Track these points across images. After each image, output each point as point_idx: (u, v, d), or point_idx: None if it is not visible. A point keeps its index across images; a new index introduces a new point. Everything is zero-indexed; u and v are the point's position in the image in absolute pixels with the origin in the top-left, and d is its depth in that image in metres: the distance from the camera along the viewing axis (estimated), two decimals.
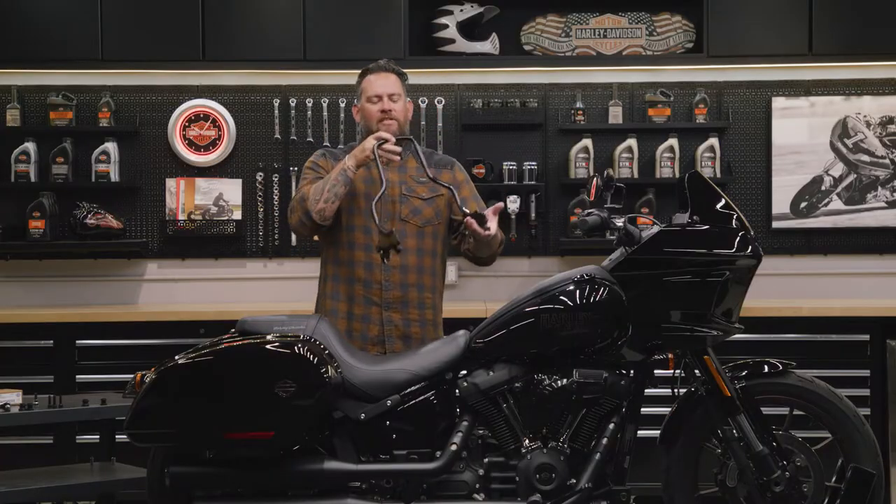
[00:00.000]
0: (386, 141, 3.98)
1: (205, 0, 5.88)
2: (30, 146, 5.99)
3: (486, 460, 3.76)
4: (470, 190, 4.31)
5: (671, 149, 6.02)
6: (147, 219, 6.12)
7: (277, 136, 6.13)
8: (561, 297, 3.74)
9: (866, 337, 5.48)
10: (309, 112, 6.10)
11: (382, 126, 4.15)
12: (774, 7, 5.91)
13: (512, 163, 6.03)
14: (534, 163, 6.05)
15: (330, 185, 4.04)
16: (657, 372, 3.83)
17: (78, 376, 5.49)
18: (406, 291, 4.11)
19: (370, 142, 4.00)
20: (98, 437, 4.79)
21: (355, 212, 4.12)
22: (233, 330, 3.83)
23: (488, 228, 3.95)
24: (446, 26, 5.99)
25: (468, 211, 3.98)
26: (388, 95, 4.18)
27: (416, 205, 4.17)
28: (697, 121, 6.05)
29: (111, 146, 6.03)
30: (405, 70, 4.32)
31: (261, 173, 6.11)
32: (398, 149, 4.00)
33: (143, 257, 6.10)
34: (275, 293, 6.07)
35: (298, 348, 3.63)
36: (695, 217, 3.78)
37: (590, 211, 3.80)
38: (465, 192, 4.25)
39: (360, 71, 4.27)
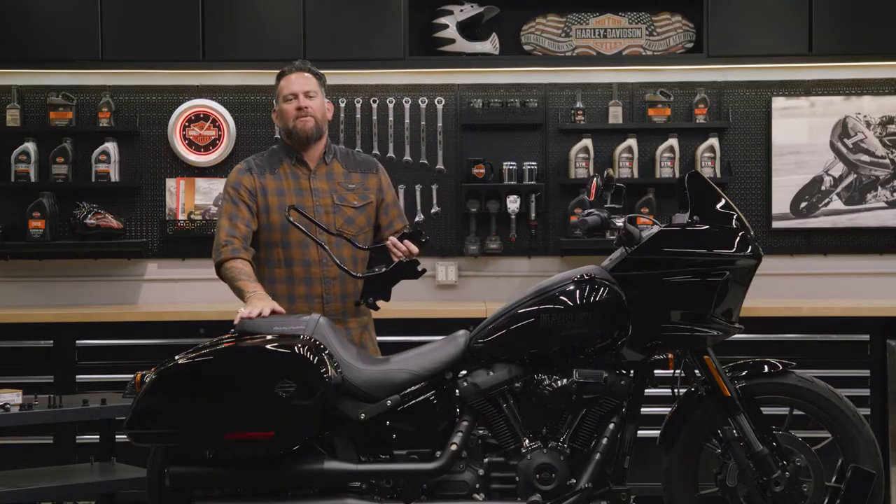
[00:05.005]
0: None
1: (205, 0, 5.88)
2: (30, 146, 5.99)
3: (486, 460, 3.76)
4: (392, 197, 4.29)
5: (671, 149, 6.02)
6: (147, 219, 6.11)
7: (277, 136, 6.11)
8: (561, 297, 3.74)
9: (866, 337, 5.48)
10: None
11: (298, 124, 4.14)
12: (774, 7, 5.91)
13: (512, 163, 6.03)
14: (534, 163, 6.04)
15: (234, 289, 4.01)
16: (657, 372, 3.83)
17: (78, 376, 5.49)
18: (345, 301, 4.12)
19: (266, 308, 3.83)
20: (98, 437, 4.79)
21: (289, 227, 4.04)
22: (233, 330, 3.82)
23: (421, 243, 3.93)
24: (446, 26, 5.99)
25: (407, 230, 3.97)
26: (303, 93, 4.15)
27: (349, 214, 4.16)
28: (697, 121, 6.05)
29: (111, 146, 6.03)
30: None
31: None
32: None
33: (143, 257, 6.09)
34: None
35: (298, 348, 3.63)
36: (695, 217, 3.78)
37: (590, 211, 3.80)
38: (388, 198, 4.25)
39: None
